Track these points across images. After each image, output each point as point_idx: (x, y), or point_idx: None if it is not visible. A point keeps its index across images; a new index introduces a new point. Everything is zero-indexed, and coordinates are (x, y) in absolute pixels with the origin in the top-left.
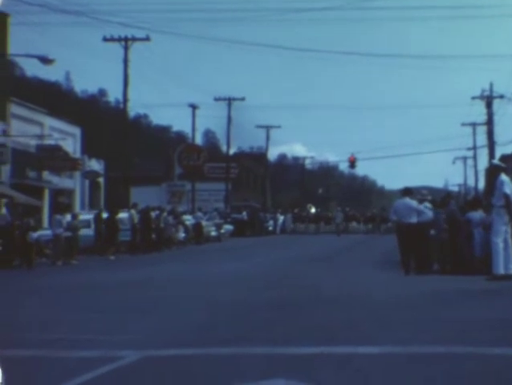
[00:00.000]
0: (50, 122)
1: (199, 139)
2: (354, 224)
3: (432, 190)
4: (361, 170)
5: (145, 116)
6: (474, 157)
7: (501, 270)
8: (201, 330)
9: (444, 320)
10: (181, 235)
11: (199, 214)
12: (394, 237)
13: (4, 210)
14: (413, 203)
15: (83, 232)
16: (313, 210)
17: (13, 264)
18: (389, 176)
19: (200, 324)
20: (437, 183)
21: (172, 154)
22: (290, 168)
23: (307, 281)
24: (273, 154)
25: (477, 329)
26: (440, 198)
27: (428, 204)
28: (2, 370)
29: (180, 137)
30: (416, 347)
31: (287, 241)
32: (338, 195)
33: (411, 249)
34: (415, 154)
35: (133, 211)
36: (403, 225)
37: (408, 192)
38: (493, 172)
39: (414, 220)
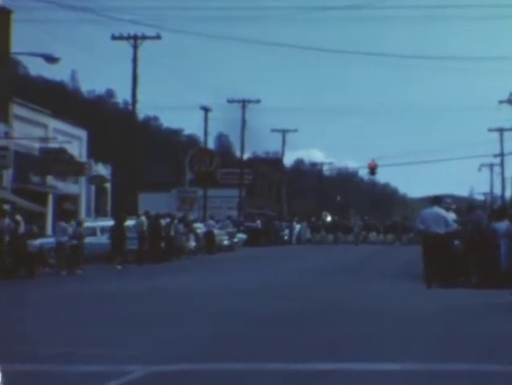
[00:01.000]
0: (54, 124)
1: (211, 144)
2: (373, 233)
3: (456, 199)
4: (382, 177)
5: (155, 119)
6: (501, 164)
7: None
8: (210, 344)
9: (468, 336)
10: (192, 244)
11: (211, 222)
12: (416, 248)
13: (7, 219)
14: (443, 212)
15: (90, 240)
16: (329, 218)
17: (17, 274)
18: (412, 183)
19: (209, 338)
20: (462, 191)
21: (183, 159)
22: (307, 174)
23: (323, 293)
24: (289, 159)
25: (503, 345)
26: (466, 208)
27: (452, 215)
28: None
29: (192, 141)
30: (439, 364)
31: (303, 251)
32: (357, 203)
33: (438, 260)
34: (439, 161)
35: (143, 218)
36: (430, 235)
37: (437, 200)
38: None
39: (442, 230)
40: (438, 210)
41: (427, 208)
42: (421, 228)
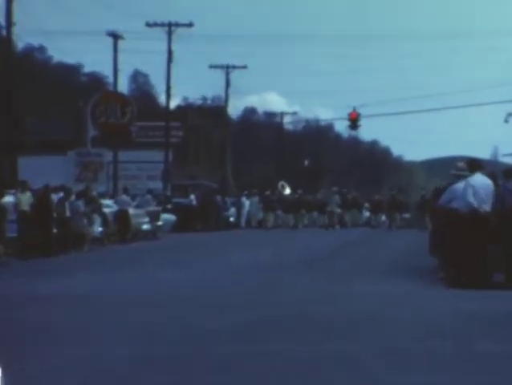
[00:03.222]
0: None
1: (124, 85)
2: (355, 212)
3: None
4: (367, 133)
5: (41, 50)
6: None
7: None
8: (122, 375)
9: (490, 356)
10: (97, 229)
11: (124, 198)
12: (414, 234)
13: None
14: (491, 183)
15: None
16: (287, 191)
17: None
18: (409, 141)
19: (120, 361)
20: (482, 152)
21: (84, 107)
22: (261, 128)
23: (287, 297)
24: (236, 108)
25: None
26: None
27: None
28: None
29: (96, 82)
30: None
31: (256, 238)
32: (333, 169)
33: (484, 250)
34: (446, 108)
35: (28, 193)
36: (482, 215)
37: (478, 166)
38: None
39: (489, 207)
40: (487, 180)
41: (475, 176)
42: (475, 205)
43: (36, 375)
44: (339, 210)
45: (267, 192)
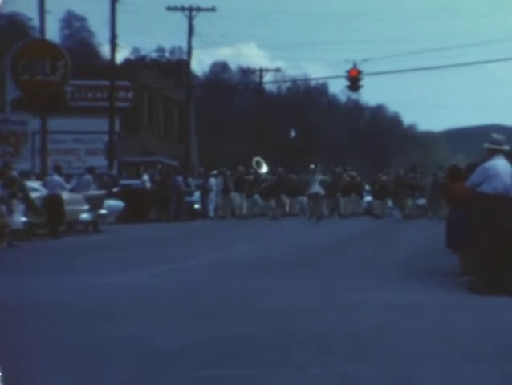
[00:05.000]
0: None
1: (54, 33)
2: (354, 197)
3: (507, 132)
4: (371, 95)
5: None
6: None
7: None
8: None
9: None
10: (19, 219)
11: (56, 179)
12: (430, 224)
13: None
14: None
15: None
16: (264, 169)
17: None
18: (425, 106)
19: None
20: None
21: (1, 60)
22: (235, 89)
23: (268, 308)
24: (202, 63)
25: None
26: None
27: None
28: None
29: (16, 26)
30: None
31: (227, 230)
32: (328, 142)
33: None
34: (474, 63)
35: None
36: None
37: None
38: None
39: None
40: None
41: None
42: None
43: None
44: (323, 193)
45: (240, 169)
